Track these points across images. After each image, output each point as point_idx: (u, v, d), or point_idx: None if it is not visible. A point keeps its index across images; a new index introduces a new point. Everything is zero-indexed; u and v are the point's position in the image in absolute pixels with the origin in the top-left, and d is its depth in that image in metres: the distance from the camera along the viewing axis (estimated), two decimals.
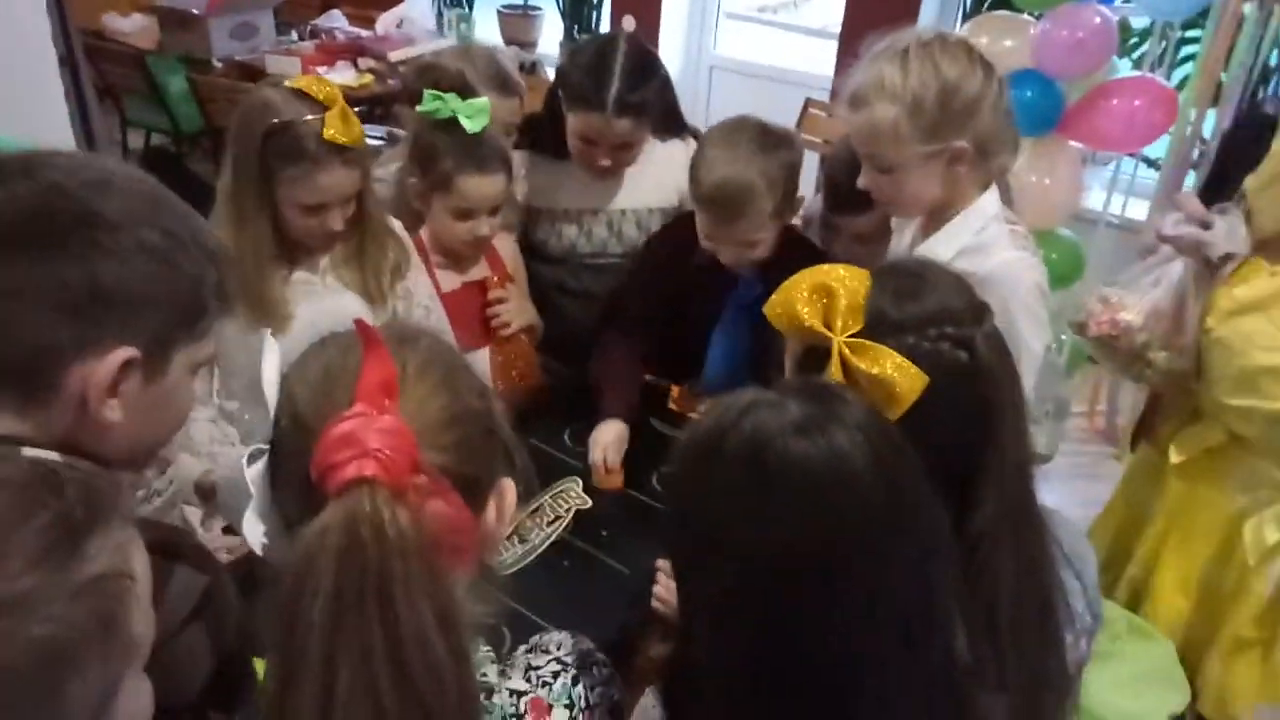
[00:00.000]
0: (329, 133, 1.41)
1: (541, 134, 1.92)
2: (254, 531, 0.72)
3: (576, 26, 4.44)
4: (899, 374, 0.83)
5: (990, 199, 1.35)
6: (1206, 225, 1.38)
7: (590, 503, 1.56)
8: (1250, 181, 1.40)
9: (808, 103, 3.75)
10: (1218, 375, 1.41)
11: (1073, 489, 2.88)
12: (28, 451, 0.72)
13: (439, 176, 1.65)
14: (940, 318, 0.88)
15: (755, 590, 0.72)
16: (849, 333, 0.86)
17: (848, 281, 0.89)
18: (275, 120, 1.42)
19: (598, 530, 1.54)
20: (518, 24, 4.55)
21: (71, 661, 0.59)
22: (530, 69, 4.31)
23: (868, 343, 0.85)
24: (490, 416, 0.73)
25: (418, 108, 1.66)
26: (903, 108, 1.27)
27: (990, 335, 0.90)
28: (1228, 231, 1.36)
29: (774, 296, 0.91)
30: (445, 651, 0.62)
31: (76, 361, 0.78)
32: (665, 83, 1.87)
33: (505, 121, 1.86)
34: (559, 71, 1.89)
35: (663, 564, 1.42)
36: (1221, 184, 1.93)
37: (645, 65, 1.79)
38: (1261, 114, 2.39)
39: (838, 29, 3.93)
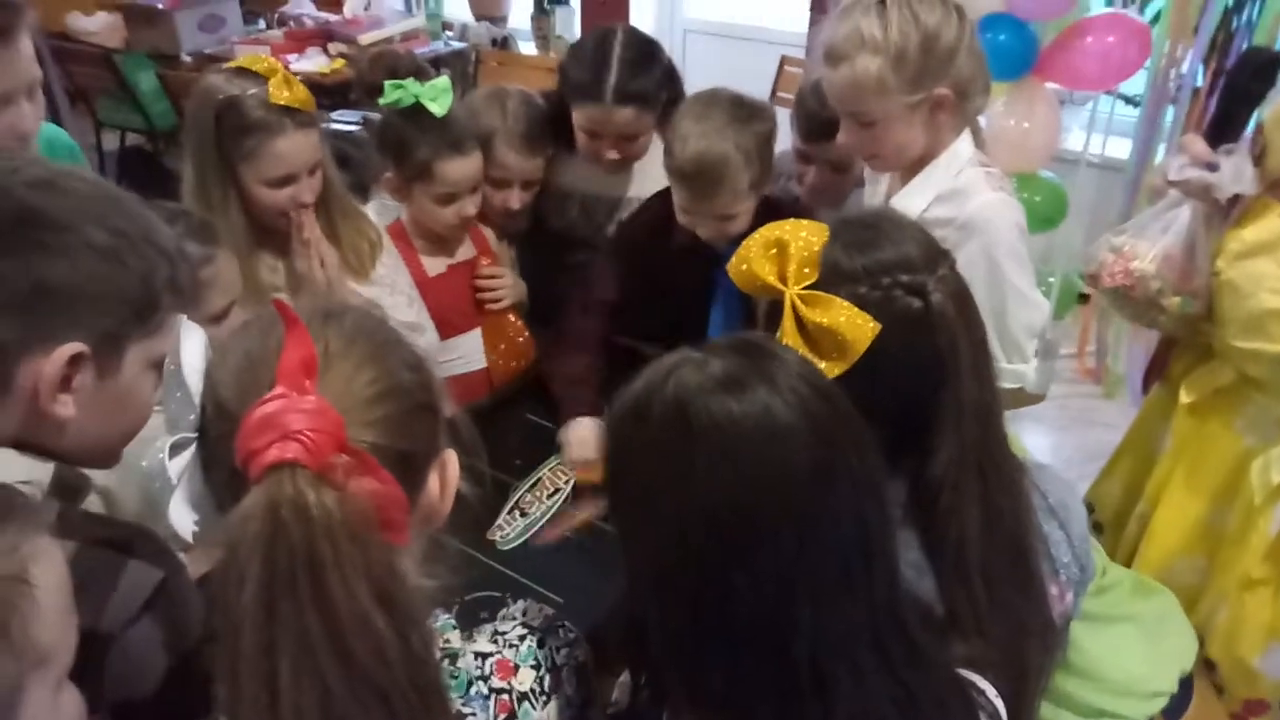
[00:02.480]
0: (275, 97, 1.43)
1: (555, 128, 1.89)
2: (183, 520, 0.72)
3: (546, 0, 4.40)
4: (849, 323, 0.84)
5: (964, 143, 1.35)
6: (1213, 167, 1.37)
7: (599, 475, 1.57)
8: (1265, 115, 1.38)
9: (783, 60, 3.73)
10: (1227, 317, 1.41)
11: (1066, 436, 2.92)
12: None
13: (417, 166, 1.64)
14: (892, 266, 0.89)
15: (686, 549, 0.72)
16: (802, 285, 0.87)
17: (802, 235, 0.90)
18: (221, 98, 1.43)
19: (598, 499, 1.55)
20: None
21: None
22: (502, 44, 4.28)
23: (819, 294, 0.86)
24: (426, 390, 0.72)
25: (379, 100, 1.64)
26: (886, 59, 1.26)
27: (945, 280, 0.90)
28: (1234, 172, 1.35)
29: (734, 256, 0.92)
30: (388, 628, 0.61)
31: (26, 358, 0.80)
32: (669, 73, 1.84)
33: (526, 179, 1.84)
34: (561, 68, 1.87)
35: None
36: (1225, 125, 1.92)
37: (644, 54, 1.78)
38: (1264, 52, 2.37)
39: None
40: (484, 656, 0.79)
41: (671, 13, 4.35)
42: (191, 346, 0.73)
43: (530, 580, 1.38)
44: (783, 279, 0.87)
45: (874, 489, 0.73)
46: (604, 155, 1.81)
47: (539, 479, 1.58)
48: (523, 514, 1.52)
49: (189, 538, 0.71)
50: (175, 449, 0.70)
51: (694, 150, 1.55)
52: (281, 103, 1.43)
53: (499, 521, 1.51)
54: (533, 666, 0.80)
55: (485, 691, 0.77)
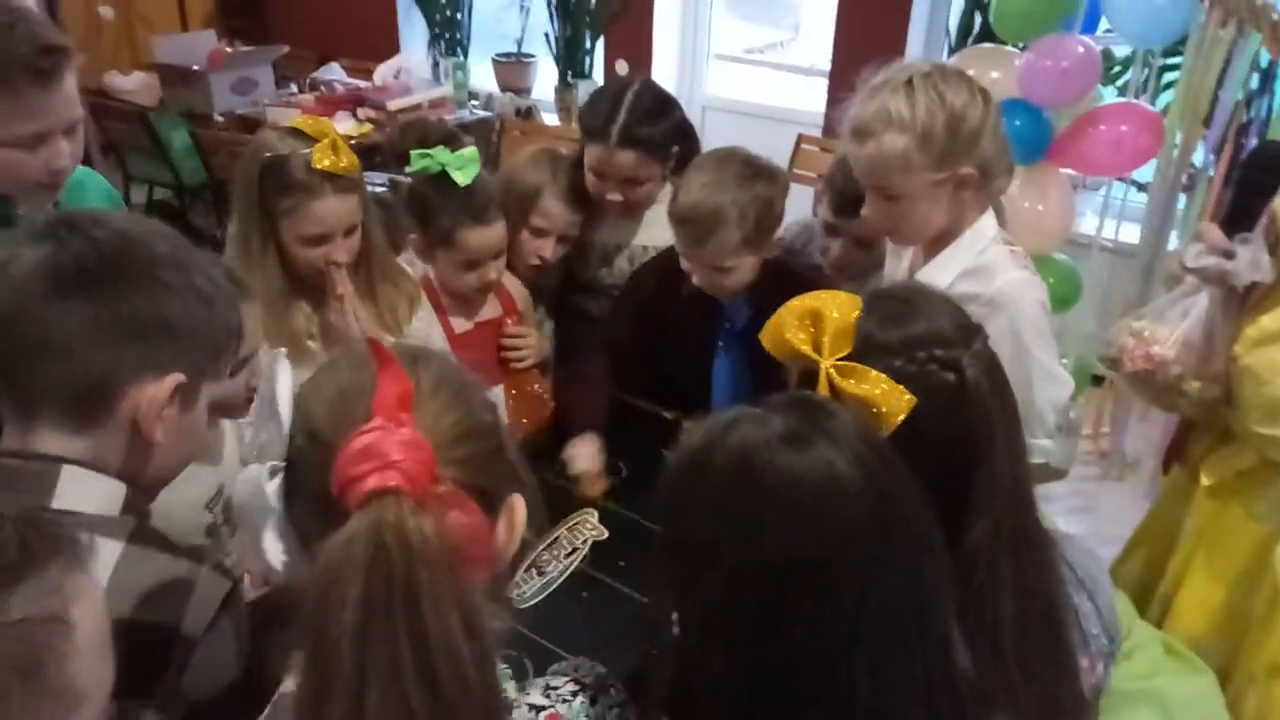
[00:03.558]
0: (318, 162, 1.47)
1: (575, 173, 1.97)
2: (274, 549, 0.73)
3: (570, 72, 4.52)
4: (885, 395, 0.85)
5: (988, 221, 1.38)
6: (1230, 255, 1.40)
7: (607, 534, 1.57)
8: (1278, 205, 1.40)
9: (800, 138, 3.82)
10: (1247, 404, 1.42)
11: (1084, 518, 2.90)
12: None
13: (439, 233, 1.69)
14: (927, 340, 0.90)
15: (747, 602, 0.72)
16: (837, 356, 0.88)
17: (837, 307, 0.91)
18: (268, 155, 1.48)
19: (615, 561, 1.55)
20: (512, 71, 4.64)
21: None
22: (526, 114, 4.39)
23: (855, 365, 0.87)
24: (500, 432, 0.75)
25: (406, 168, 1.70)
26: (912, 137, 1.30)
27: (979, 355, 0.91)
28: (1251, 260, 1.37)
29: (767, 324, 0.94)
30: (472, 660, 0.62)
31: (135, 383, 0.87)
32: (682, 127, 1.92)
33: (564, 233, 1.91)
34: (580, 110, 1.96)
35: None
36: (1241, 215, 1.96)
37: (657, 105, 1.85)
38: (1276, 145, 2.43)
39: (825, 67, 4.02)
40: (538, 709, 0.80)
41: (691, 88, 4.47)
42: (284, 377, 0.75)
43: (542, 638, 1.38)
44: (817, 349, 0.89)
45: (931, 548, 0.74)
46: (606, 196, 1.87)
47: (556, 538, 1.58)
48: (540, 573, 1.52)
49: (279, 567, 0.73)
50: (274, 472, 0.73)
51: (691, 199, 1.61)
52: (323, 168, 1.48)
53: (515, 579, 1.50)
54: None
55: None
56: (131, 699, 0.79)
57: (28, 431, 0.88)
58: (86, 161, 1.59)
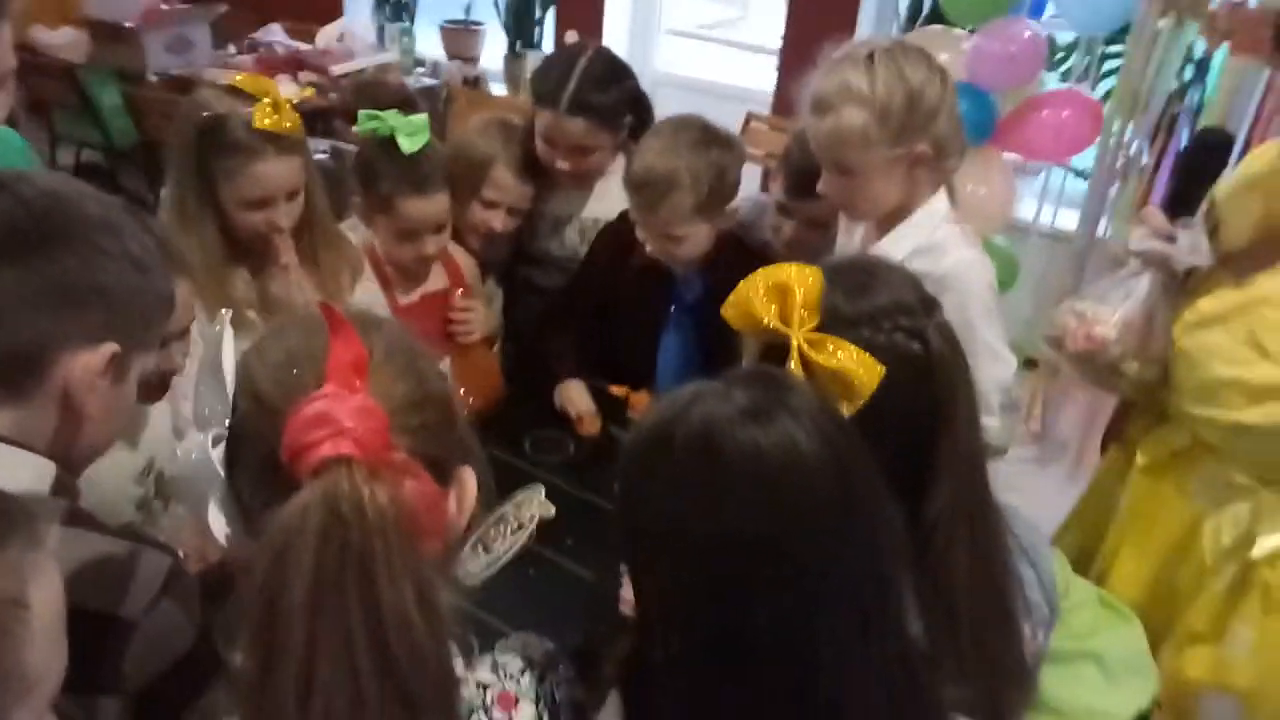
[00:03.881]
0: (260, 121, 1.42)
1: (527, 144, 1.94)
2: (218, 522, 0.71)
3: (519, 41, 4.45)
4: (857, 366, 0.85)
5: (941, 200, 1.40)
6: (1171, 239, 1.44)
7: (554, 511, 1.56)
8: (1218, 192, 1.44)
9: (749, 116, 3.82)
10: (1182, 385, 1.45)
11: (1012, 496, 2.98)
12: None
13: (379, 198, 1.65)
14: (893, 310, 0.91)
15: (709, 580, 0.72)
16: (806, 328, 0.88)
17: (803, 279, 0.91)
18: (206, 115, 1.43)
19: (562, 538, 1.54)
20: (460, 39, 4.54)
21: None
22: (474, 83, 4.31)
23: (826, 337, 0.87)
24: (451, 403, 0.74)
25: (354, 127, 1.65)
26: (871, 112, 1.31)
27: (941, 326, 0.93)
28: (1191, 245, 1.41)
29: (730, 297, 0.93)
30: (426, 633, 0.61)
31: (66, 352, 0.82)
32: (634, 96, 1.90)
33: (514, 205, 1.88)
34: (532, 75, 1.93)
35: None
36: (1183, 199, 2.01)
37: (609, 73, 1.83)
38: (1217, 133, 2.50)
39: (775, 46, 4.02)
40: (485, 687, 0.78)
41: (642, 63, 4.42)
42: (229, 342, 0.73)
43: (488, 615, 1.36)
44: (785, 322, 0.88)
45: (889, 520, 0.74)
46: (555, 163, 1.85)
47: (503, 514, 1.56)
48: (486, 549, 1.50)
49: (224, 541, 0.70)
50: (218, 440, 0.70)
51: (645, 163, 1.61)
52: (265, 127, 1.43)
53: (460, 555, 1.49)
54: (532, 701, 0.80)
55: None
56: (81, 694, 0.76)
57: None
58: (9, 121, 1.52)
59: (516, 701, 0.79)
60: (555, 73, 1.82)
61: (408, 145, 1.60)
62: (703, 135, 1.65)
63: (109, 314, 0.85)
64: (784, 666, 0.72)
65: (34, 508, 0.67)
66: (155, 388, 1.19)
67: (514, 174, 1.84)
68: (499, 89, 4.41)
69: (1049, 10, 2.83)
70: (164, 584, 0.85)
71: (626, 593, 1.37)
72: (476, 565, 1.47)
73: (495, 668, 0.81)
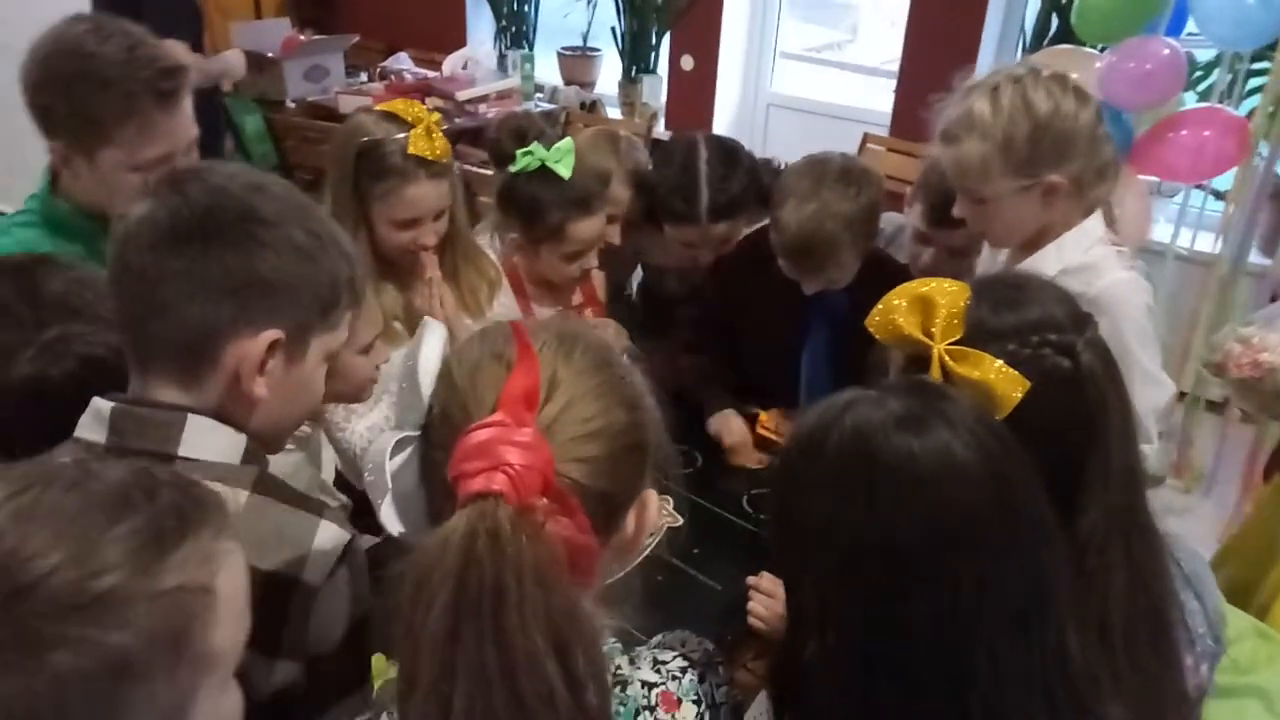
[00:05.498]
0: (414, 148, 1.49)
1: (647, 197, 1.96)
2: (392, 523, 0.73)
3: (635, 67, 4.54)
4: (999, 379, 0.85)
5: (1095, 221, 1.37)
6: None
7: (681, 521, 1.58)
8: None
9: (866, 137, 3.79)
10: None
11: None
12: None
13: (548, 228, 1.69)
14: (1040, 325, 0.90)
15: (862, 585, 0.73)
16: (949, 340, 0.88)
17: (947, 293, 0.91)
18: (365, 139, 1.50)
19: (689, 547, 1.56)
20: (577, 64, 4.66)
21: (139, 674, 0.58)
22: (590, 108, 4.41)
23: (968, 350, 0.87)
24: (639, 429, 0.73)
25: (510, 168, 1.69)
26: (992, 145, 1.29)
27: (1093, 343, 0.91)
28: None
29: (875, 309, 0.94)
30: (559, 679, 0.61)
31: (233, 339, 0.87)
32: (752, 171, 1.90)
33: (630, 217, 1.94)
34: (651, 187, 1.92)
35: (756, 581, 1.44)
36: None
37: (729, 164, 1.84)
38: None
39: (890, 67, 3.99)
40: (650, 686, 0.79)
41: (756, 87, 4.45)
42: (431, 345, 0.74)
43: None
44: (928, 334, 0.89)
45: (1048, 533, 0.73)
46: (700, 262, 1.87)
47: None
48: None
49: (395, 533, 0.73)
50: (398, 447, 0.72)
51: (801, 230, 1.59)
52: (419, 153, 1.49)
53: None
54: (694, 701, 0.80)
55: None
56: (260, 654, 0.80)
57: (145, 384, 0.90)
58: None
59: (679, 702, 0.79)
60: (681, 188, 1.82)
61: (563, 171, 1.65)
62: (845, 182, 1.63)
63: (269, 302, 0.88)
64: (941, 673, 0.71)
65: (222, 495, 0.71)
66: (364, 387, 1.27)
67: (628, 188, 1.87)
68: (614, 113, 4.50)
69: (1188, 26, 2.72)
70: (341, 555, 0.89)
71: (755, 605, 1.37)
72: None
73: (657, 666, 0.81)
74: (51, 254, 1.17)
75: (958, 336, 0.89)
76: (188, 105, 1.39)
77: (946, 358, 0.87)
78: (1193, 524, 2.17)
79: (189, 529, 0.64)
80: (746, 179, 1.86)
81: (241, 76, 3.19)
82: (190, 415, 0.88)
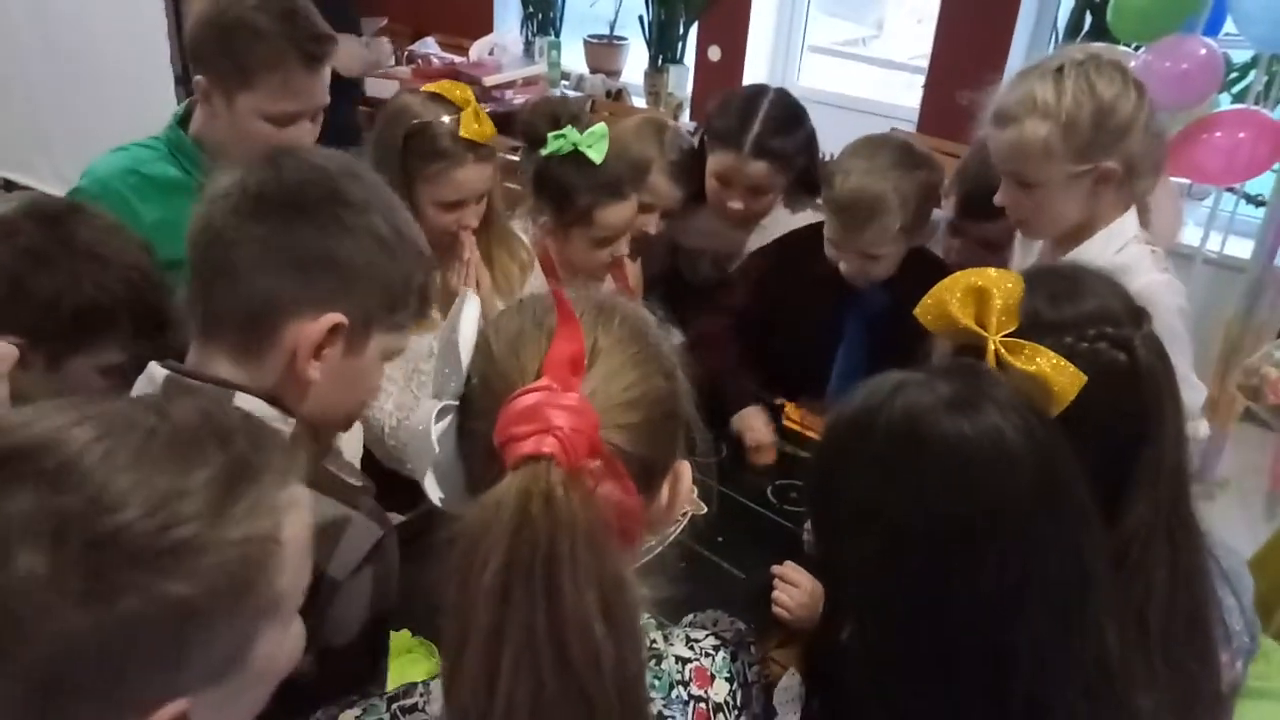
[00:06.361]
0: (464, 130, 1.49)
1: (689, 177, 1.97)
2: (434, 491, 0.73)
3: (661, 56, 4.52)
4: (1056, 372, 0.84)
5: (1130, 220, 1.36)
6: None
7: (705, 508, 1.58)
8: None
9: (893, 132, 3.77)
10: None
11: None
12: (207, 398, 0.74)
13: (578, 212, 1.69)
14: (1097, 318, 0.89)
15: (906, 566, 0.72)
16: (1004, 332, 0.87)
17: (1002, 283, 0.90)
18: (415, 121, 1.50)
19: (714, 535, 1.56)
20: (604, 53, 4.64)
21: (204, 619, 0.59)
22: (615, 96, 4.40)
23: (1024, 341, 0.86)
24: (675, 398, 0.73)
25: (542, 150, 1.69)
26: (1056, 125, 1.28)
27: (1149, 338, 0.91)
28: None
29: (925, 298, 0.93)
30: (607, 639, 0.61)
31: (295, 317, 0.87)
32: (809, 141, 1.91)
33: (668, 208, 1.93)
34: (707, 115, 1.95)
35: (780, 570, 1.44)
36: None
37: (790, 117, 1.85)
38: None
39: (916, 63, 3.96)
40: (684, 661, 0.79)
41: (783, 80, 4.43)
42: (469, 316, 0.74)
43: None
44: (982, 325, 0.88)
45: (1090, 524, 0.73)
46: (730, 203, 1.85)
47: None
48: None
49: (438, 503, 0.73)
50: (441, 414, 0.72)
51: (853, 185, 1.59)
52: (470, 136, 1.50)
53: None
54: (727, 679, 0.81)
55: (685, 697, 0.77)
56: None
57: (203, 355, 0.90)
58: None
59: (712, 679, 0.80)
60: (737, 114, 1.83)
61: (595, 155, 1.65)
62: (906, 155, 1.64)
63: (339, 285, 0.88)
64: (980, 660, 0.71)
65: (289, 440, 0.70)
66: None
67: (669, 179, 1.87)
68: (640, 102, 4.49)
69: (1226, 26, 2.69)
70: (368, 553, 0.89)
71: (780, 595, 1.37)
72: None
73: (690, 643, 0.82)
74: (84, 203, 1.26)
75: (1012, 328, 0.87)
76: (326, 74, 1.48)
77: (1002, 350, 0.85)
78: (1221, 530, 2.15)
79: (259, 476, 0.64)
80: (801, 138, 1.87)
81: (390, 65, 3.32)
82: (239, 393, 0.87)
